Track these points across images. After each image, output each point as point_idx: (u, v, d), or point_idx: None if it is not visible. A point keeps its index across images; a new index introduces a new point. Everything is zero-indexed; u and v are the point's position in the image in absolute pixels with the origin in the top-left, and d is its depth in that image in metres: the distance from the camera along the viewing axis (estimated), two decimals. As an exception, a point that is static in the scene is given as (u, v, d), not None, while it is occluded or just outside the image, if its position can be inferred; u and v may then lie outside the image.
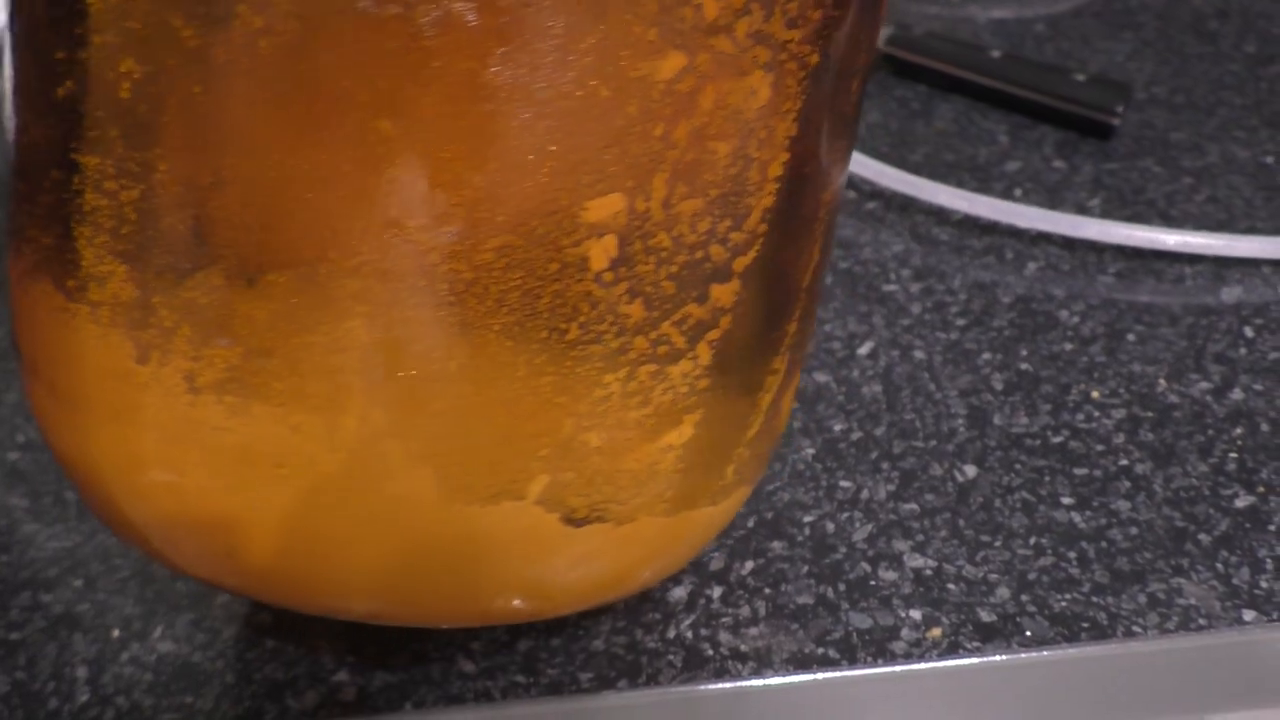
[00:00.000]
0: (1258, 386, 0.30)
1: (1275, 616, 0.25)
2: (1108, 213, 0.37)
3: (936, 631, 0.25)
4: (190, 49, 0.14)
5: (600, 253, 0.16)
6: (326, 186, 0.15)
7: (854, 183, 0.39)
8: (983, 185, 0.39)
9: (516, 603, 0.20)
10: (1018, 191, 0.38)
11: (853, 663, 0.24)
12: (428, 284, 0.16)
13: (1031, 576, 0.25)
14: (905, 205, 0.38)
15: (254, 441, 0.17)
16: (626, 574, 0.20)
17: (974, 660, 0.24)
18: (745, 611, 0.25)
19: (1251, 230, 0.36)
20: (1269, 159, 0.39)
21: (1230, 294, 0.34)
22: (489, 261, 0.16)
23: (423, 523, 0.18)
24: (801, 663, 0.24)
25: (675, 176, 0.16)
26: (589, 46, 0.15)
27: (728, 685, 0.24)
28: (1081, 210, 0.37)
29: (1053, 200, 0.38)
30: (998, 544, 0.26)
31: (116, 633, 0.25)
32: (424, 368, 0.16)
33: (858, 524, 0.27)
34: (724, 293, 0.18)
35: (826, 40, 0.17)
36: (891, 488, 0.28)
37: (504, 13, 0.14)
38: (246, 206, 0.15)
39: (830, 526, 0.27)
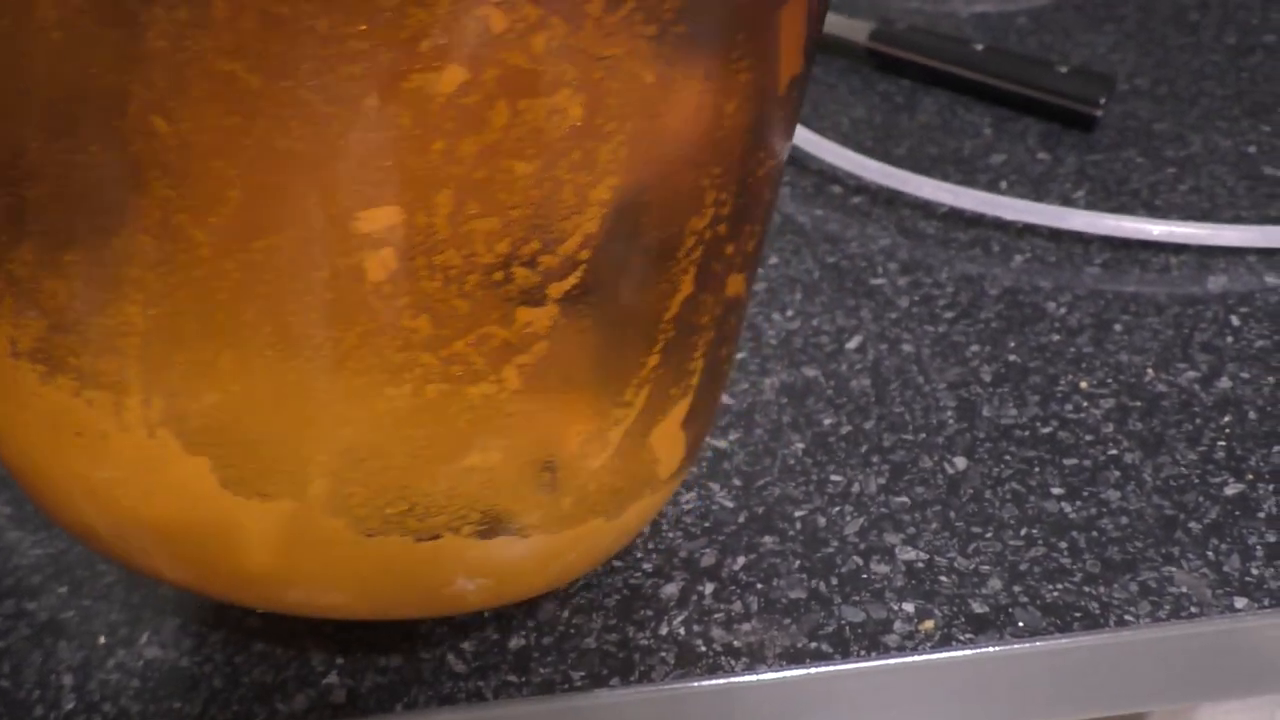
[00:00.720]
0: (1245, 375, 0.30)
1: (1266, 604, 0.25)
2: (1092, 204, 0.37)
3: (929, 624, 0.24)
4: None
5: (377, 264, 0.16)
6: (105, 174, 0.15)
7: (839, 177, 0.39)
8: (968, 178, 0.39)
9: (298, 598, 0.20)
10: (1003, 184, 0.38)
11: (846, 657, 0.24)
12: (199, 280, 0.16)
13: (1023, 567, 0.25)
14: (891, 199, 0.38)
15: (59, 410, 0.18)
16: (436, 591, 0.20)
17: (967, 652, 0.24)
18: (738, 607, 0.25)
19: (1236, 219, 0.36)
20: (1251, 148, 0.40)
21: (1216, 283, 0.34)
22: (257, 261, 0.16)
23: (205, 511, 0.18)
24: (794, 657, 0.24)
25: (463, 194, 0.15)
26: (355, 52, 0.14)
27: (721, 681, 0.24)
28: (1066, 202, 0.37)
29: (1038, 192, 0.38)
30: (989, 535, 0.26)
31: (102, 639, 0.25)
32: (196, 360, 0.17)
33: (849, 517, 0.27)
34: (536, 317, 0.17)
35: (672, 54, 0.16)
36: (882, 481, 0.28)
37: (262, 13, 0.14)
38: (47, 190, 0.16)
39: (821, 520, 0.27)
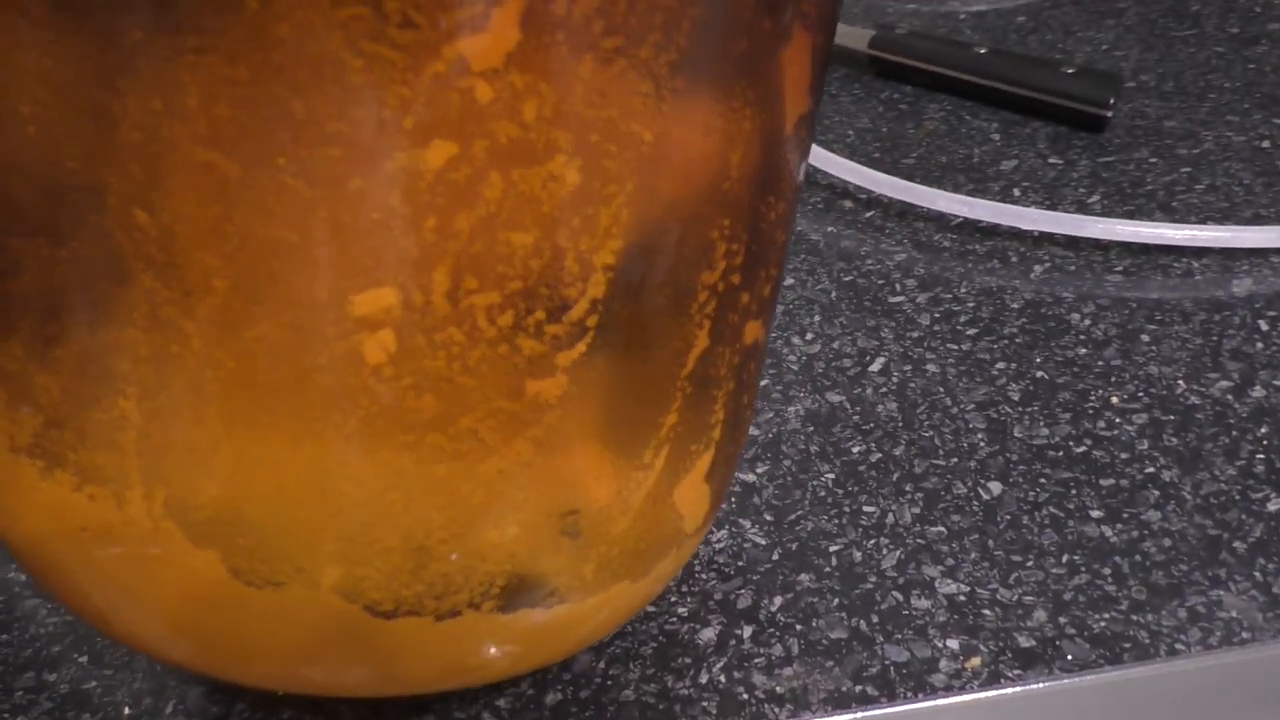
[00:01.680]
0: (1278, 382, 0.30)
1: (1318, 624, 0.24)
2: (1108, 208, 0.37)
3: (976, 661, 0.24)
4: None
5: (375, 347, 0.15)
6: (89, 268, 0.15)
7: (849, 191, 0.39)
8: (979, 186, 0.38)
9: (320, 679, 0.20)
10: (1015, 191, 0.38)
11: (892, 699, 0.23)
12: (191, 371, 0.15)
13: (1068, 597, 0.25)
14: (903, 212, 0.37)
15: (61, 504, 0.18)
16: (460, 664, 0.20)
17: (1017, 689, 0.23)
18: (778, 650, 0.24)
19: (1255, 219, 0.36)
20: (1265, 143, 0.39)
21: (1241, 286, 0.33)
22: (250, 350, 0.15)
23: (218, 601, 0.18)
24: (840, 702, 0.23)
25: (460, 270, 0.15)
26: (334, 134, 0.13)
27: (766, 730, 0.23)
28: (1082, 206, 0.37)
29: (1051, 197, 0.37)
30: (1030, 564, 0.26)
31: (127, 710, 0.24)
32: (195, 452, 0.16)
33: (885, 550, 0.26)
34: (546, 388, 0.17)
35: (670, 109, 0.15)
36: (916, 510, 0.27)
37: (236, 99, 0.13)
38: (30, 284, 0.15)
39: (857, 555, 0.26)
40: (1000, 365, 0.31)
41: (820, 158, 0.38)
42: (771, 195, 0.18)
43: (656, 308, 0.17)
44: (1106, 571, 0.25)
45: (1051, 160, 0.39)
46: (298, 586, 0.17)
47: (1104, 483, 0.27)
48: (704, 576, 0.26)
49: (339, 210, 0.14)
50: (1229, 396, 0.29)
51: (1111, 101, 0.40)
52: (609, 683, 0.24)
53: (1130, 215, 0.36)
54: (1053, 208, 0.37)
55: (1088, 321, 0.32)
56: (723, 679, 0.24)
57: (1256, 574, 0.25)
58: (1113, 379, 0.30)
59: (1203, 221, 0.35)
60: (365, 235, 0.14)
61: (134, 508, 0.17)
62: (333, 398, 0.15)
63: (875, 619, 0.25)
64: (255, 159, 0.13)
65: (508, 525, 0.18)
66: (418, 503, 0.17)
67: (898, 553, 0.26)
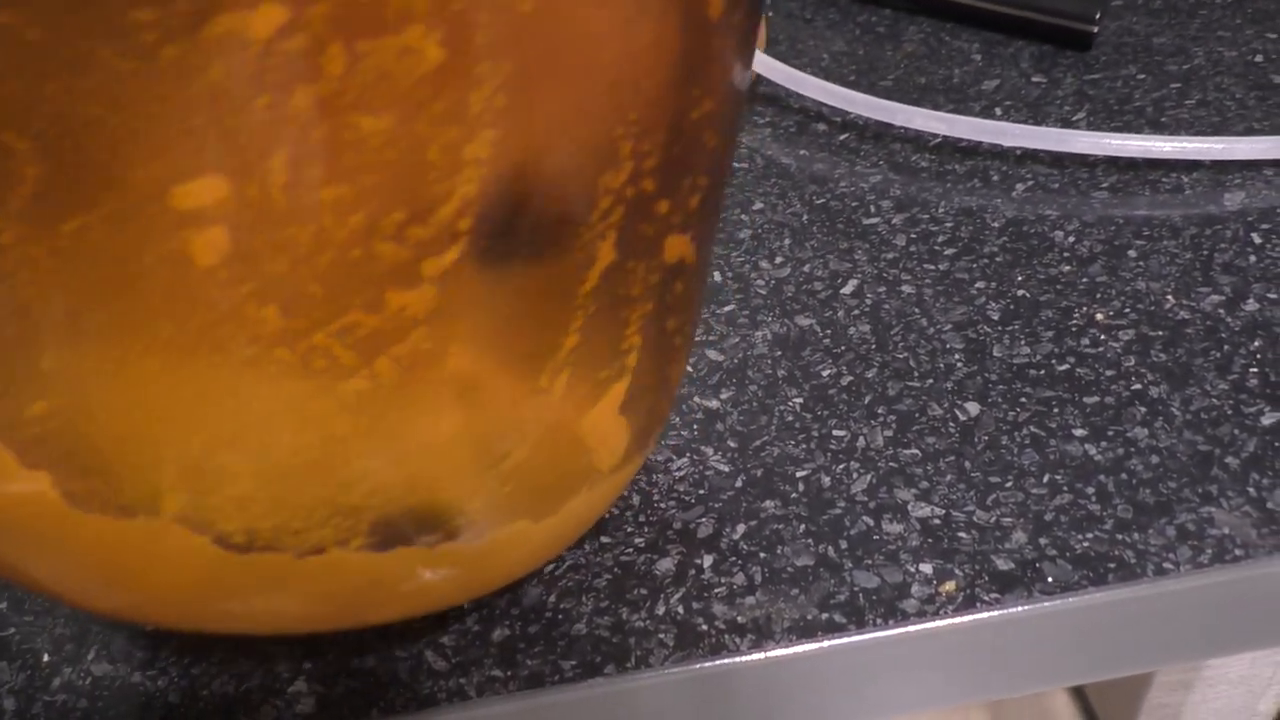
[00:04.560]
0: (1272, 295, 0.28)
1: (1316, 540, 0.23)
2: (1095, 125, 0.35)
3: (950, 586, 0.22)
4: None
5: (205, 246, 0.13)
6: None
7: (823, 114, 0.37)
8: (960, 107, 0.36)
9: (218, 621, 0.18)
10: (998, 111, 0.36)
11: (861, 626, 0.22)
12: (5, 272, 0.13)
13: (1049, 517, 0.23)
14: (879, 134, 0.36)
15: None
16: (346, 609, 0.18)
17: (994, 613, 0.22)
18: (740, 579, 0.23)
19: (1249, 132, 0.34)
20: (1258, 57, 0.37)
21: (1233, 200, 0.31)
22: (67, 248, 0.13)
23: (64, 531, 0.16)
24: (805, 631, 0.22)
25: (299, 158, 0.13)
26: None
27: (725, 662, 0.22)
28: (1067, 124, 0.35)
29: (1035, 115, 0.35)
30: (1009, 485, 0.24)
31: (46, 657, 0.23)
32: (16, 363, 0.14)
33: (855, 475, 0.25)
34: (411, 300, 0.15)
35: None
36: (889, 433, 0.26)
37: None
38: None
39: (826, 480, 0.25)
40: (979, 285, 0.29)
41: (791, 78, 0.36)
42: (696, 89, 0.16)
43: (547, 213, 0.15)
44: (1090, 491, 0.24)
45: (1035, 79, 0.37)
46: (142, 515, 0.16)
47: (1088, 400, 0.26)
48: (663, 505, 0.25)
49: (156, 84, 0.12)
50: (1220, 310, 0.28)
51: (1098, 17, 0.38)
52: (559, 616, 0.23)
53: (1118, 131, 0.34)
54: (1037, 125, 0.35)
55: (1072, 239, 0.31)
56: (680, 610, 0.22)
57: (1250, 489, 0.23)
58: (1098, 296, 0.29)
59: (1194, 135, 0.34)
60: (186, 113, 0.12)
61: None
62: (163, 303, 0.14)
63: (844, 545, 0.23)
64: (59, 24, 0.12)
65: (375, 455, 0.16)
66: (266, 426, 0.15)
67: (869, 476, 0.25)
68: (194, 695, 0.22)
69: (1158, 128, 0.34)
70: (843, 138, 0.36)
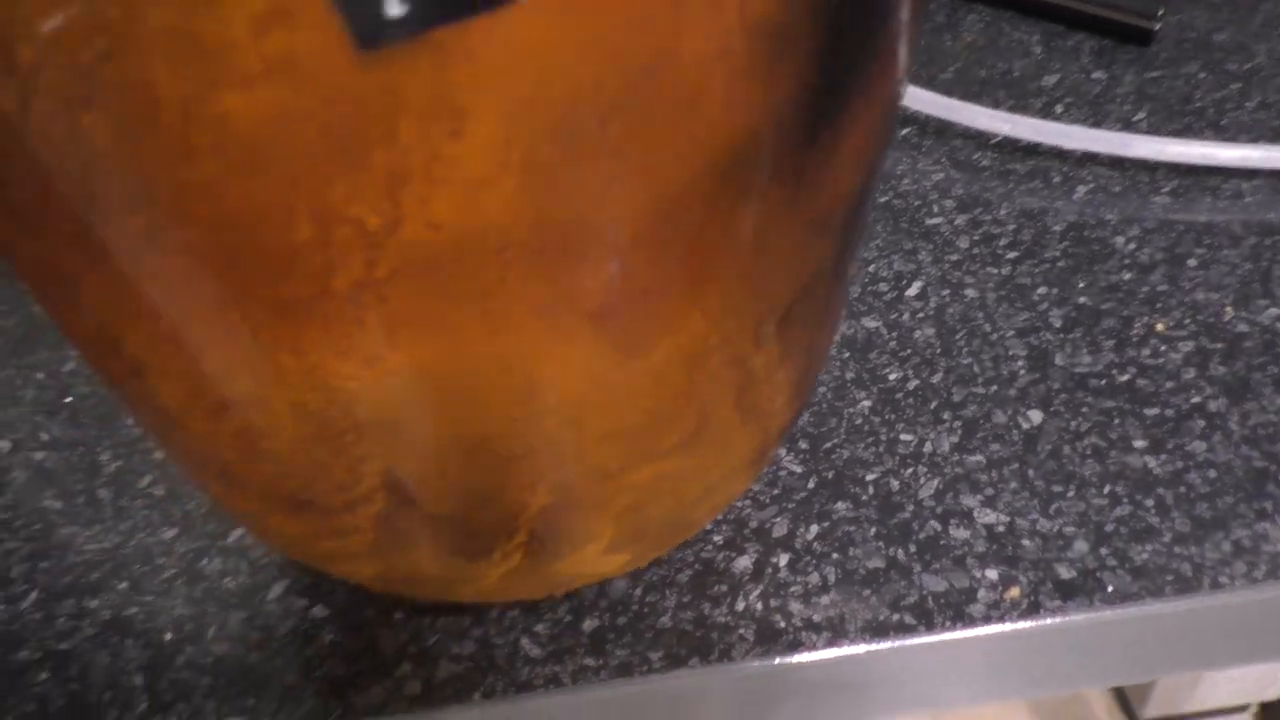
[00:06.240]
0: (1328, 309, 0.29)
1: (1364, 556, 0.24)
2: (1155, 126, 0.35)
3: (1015, 591, 0.24)
4: None
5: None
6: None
7: (886, 107, 0.37)
8: (1020, 102, 0.37)
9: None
10: (1058, 108, 0.37)
11: (930, 628, 0.23)
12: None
13: (1109, 528, 0.25)
14: (941, 130, 0.36)
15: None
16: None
17: (1056, 620, 0.23)
18: (815, 579, 0.24)
19: (1308, 138, 0.34)
20: (1320, 58, 0.38)
21: (1291, 209, 0.32)
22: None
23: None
24: (878, 630, 0.23)
25: None
26: None
27: (804, 658, 0.23)
28: (1127, 124, 0.36)
29: (1095, 114, 0.36)
30: (1070, 494, 0.25)
31: (169, 636, 0.25)
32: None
33: (923, 479, 0.26)
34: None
35: None
36: (955, 439, 0.27)
37: None
38: None
39: (894, 484, 0.26)
40: (1041, 290, 0.30)
41: (856, 73, 0.37)
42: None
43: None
44: (1149, 503, 0.25)
45: (1095, 75, 0.38)
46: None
47: (1148, 412, 0.27)
48: (739, 504, 0.26)
49: None
50: (1279, 325, 0.29)
51: (1160, 13, 0.38)
52: (646, 609, 0.24)
53: (1178, 134, 0.35)
54: (1097, 125, 0.35)
55: (1133, 245, 0.31)
56: (759, 606, 0.24)
57: (1302, 506, 0.25)
58: (1158, 305, 0.30)
59: (1254, 140, 0.34)
60: None
61: None
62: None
63: (913, 548, 0.25)
64: None
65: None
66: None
67: (936, 481, 0.26)
68: (308, 675, 0.24)
69: (1218, 130, 0.35)
70: (904, 132, 0.36)
